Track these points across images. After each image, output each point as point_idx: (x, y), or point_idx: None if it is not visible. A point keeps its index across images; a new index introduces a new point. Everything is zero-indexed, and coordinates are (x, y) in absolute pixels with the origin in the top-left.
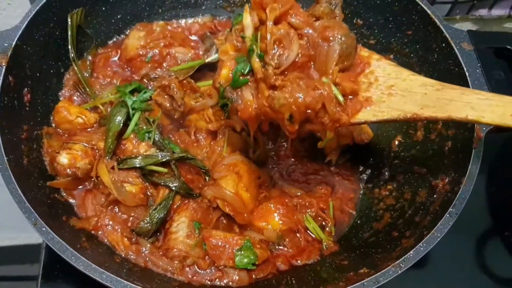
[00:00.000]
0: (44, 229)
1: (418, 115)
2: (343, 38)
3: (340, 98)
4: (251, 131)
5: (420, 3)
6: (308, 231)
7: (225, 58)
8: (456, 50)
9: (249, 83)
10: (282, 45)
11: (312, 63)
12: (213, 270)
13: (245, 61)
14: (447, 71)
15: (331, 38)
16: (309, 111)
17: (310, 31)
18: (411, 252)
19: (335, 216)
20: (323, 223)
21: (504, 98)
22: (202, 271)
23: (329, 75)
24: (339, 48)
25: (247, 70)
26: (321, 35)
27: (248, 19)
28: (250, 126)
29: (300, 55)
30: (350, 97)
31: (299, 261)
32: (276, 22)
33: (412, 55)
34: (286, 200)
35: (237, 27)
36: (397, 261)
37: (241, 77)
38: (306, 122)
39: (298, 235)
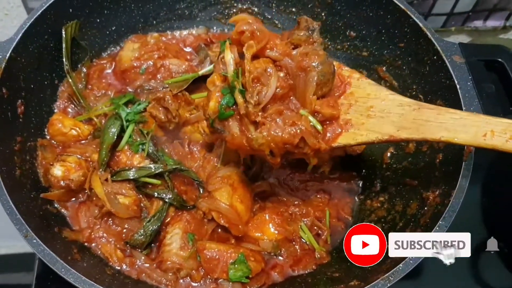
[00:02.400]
0: (35, 241)
1: (395, 137)
2: (320, 67)
3: (319, 127)
4: (241, 157)
5: (412, 16)
6: (303, 240)
7: (212, 89)
8: (448, 63)
9: (235, 115)
10: (260, 82)
11: (292, 93)
12: (207, 282)
13: (230, 93)
14: (438, 83)
15: (308, 68)
16: (288, 146)
17: (289, 61)
18: (401, 265)
19: (331, 224)
20: (319, 232)
21: (478, 117)
22: (196, 283)
23: (307, 107)
24: (316, 76)
25: (232, 103)
26: (299, 65)
27: (228, 56)
28: (240, 154)
29: (279, 88)
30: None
31: (295, 271)
32: (255, 56)
33: (404, 67)
34: (282, 210)
35: (222, 55)
36: (387, 274)
37: (226, 110)
38: (288, 154)
39: (294, 243)
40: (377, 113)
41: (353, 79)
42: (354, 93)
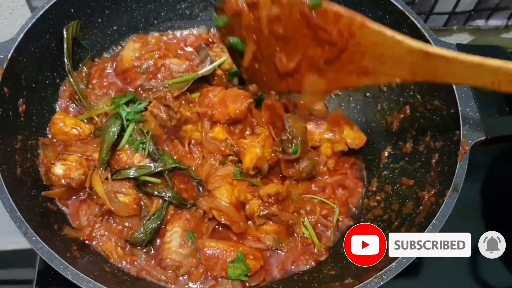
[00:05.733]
0: (34, 238)
1: (409, 80)
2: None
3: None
4: None
5: (410, 16)
6: (305, 236)
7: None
8: None
9: None
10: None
11: None
12: (207, 280)
13: None
14: (435, 84)
15: None
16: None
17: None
18: (394, 263)
19: (338, 221)
20: (322, 229)
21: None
22: (196, 281)
23: None
24: None
25: None
26: None
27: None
28: None
29: None
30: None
31: (295, 267)
32: None
33: None
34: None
35: None
36: (380, 272)
37: None
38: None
39: (295, 237)
40: (388, 59)
41: (355, 27)
42: (361, 42)
